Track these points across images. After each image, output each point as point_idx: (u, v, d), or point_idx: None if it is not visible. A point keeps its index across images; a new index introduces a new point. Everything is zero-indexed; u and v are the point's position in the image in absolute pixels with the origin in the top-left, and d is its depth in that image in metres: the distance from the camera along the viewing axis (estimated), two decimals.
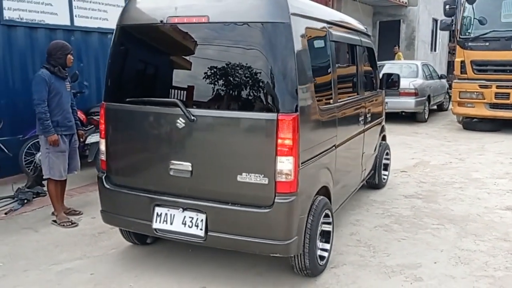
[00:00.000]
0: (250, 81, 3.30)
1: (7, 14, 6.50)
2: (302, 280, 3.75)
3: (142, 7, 3.74)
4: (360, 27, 5.49)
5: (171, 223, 3.53)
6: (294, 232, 3.35)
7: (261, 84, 3.28)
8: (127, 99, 3.71)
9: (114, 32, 3.84)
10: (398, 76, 6.03)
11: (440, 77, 14.82)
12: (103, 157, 3.90)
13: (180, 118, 3.42)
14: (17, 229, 4.87)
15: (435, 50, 22.10)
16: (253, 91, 3.32)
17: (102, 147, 3.88)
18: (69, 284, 3.71)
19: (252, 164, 3.29)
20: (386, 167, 6.47)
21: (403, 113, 13.03)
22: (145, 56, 3.85)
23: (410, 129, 11.88)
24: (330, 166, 4.04)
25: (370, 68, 5.75)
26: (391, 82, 5.99)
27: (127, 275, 3.84)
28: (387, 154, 6.46)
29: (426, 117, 13.10)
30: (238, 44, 3.37)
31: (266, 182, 3.25)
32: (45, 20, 6.95)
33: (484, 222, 5.14)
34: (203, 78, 3.44)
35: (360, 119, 4.95)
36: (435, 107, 14.62)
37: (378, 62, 6.33)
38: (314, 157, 3.62)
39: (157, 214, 3.58)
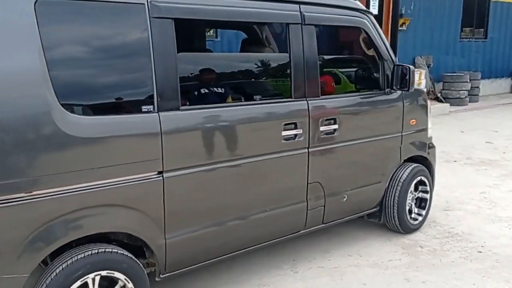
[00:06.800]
0: None
1: None
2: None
3: None
4: None
5: None
6: None
7: None
8: None
9: None
10: (408, 69, 3.79)
11: None
12: None
13: None
14: None
15: None
16: None
17: None
18: None
19: None
20: (423, 204, 4.40)
21: None
22: None
23: None
24: (146, 205, 2.73)
25: (354, 59, 4.40)
26: (401, 79, 3.83)
27: None
28: (421, 184, 4.33)
29: None
30: None
31: None
32: None
33: None
34: None
35: (292, 133, 3.31)
36: None
37: None
38: (47, 192, 2.39)
39: None
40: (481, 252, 3.99)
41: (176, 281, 3.26)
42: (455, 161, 6.89)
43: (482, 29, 13.72)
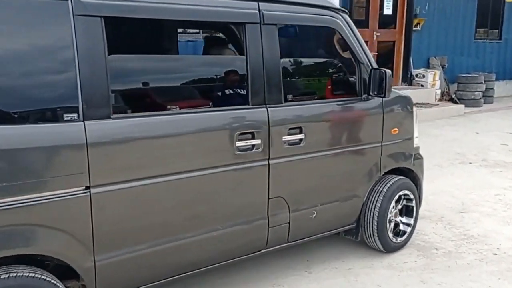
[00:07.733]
0: None
1: None
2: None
3: None
4: None
5: None
6: None
7: None
8: None
9: None
10: (384, 73, 3.45)
11: None
12: None
13: None
14: None
15: None
16: None
17: None
18: None
19: None
20: (408, 220, 4.01)
21: None
22: None
23: None
24: (70, 224, 2.43)
25: (327, 62, 4.15)
26: (379, 84, 3.46)
27: None
28: (406, 198, 3.94)
29: None
30: None
31: None
32: None
33: None
34: None
35: (249, 143, 3.00)
36: None
37: None
38: None
39: None
40: (496, 254, 3.96)
41: (185, 281, 3.25)
42: (470, 162, 6.83)
43: (497, 30, 13.57)
